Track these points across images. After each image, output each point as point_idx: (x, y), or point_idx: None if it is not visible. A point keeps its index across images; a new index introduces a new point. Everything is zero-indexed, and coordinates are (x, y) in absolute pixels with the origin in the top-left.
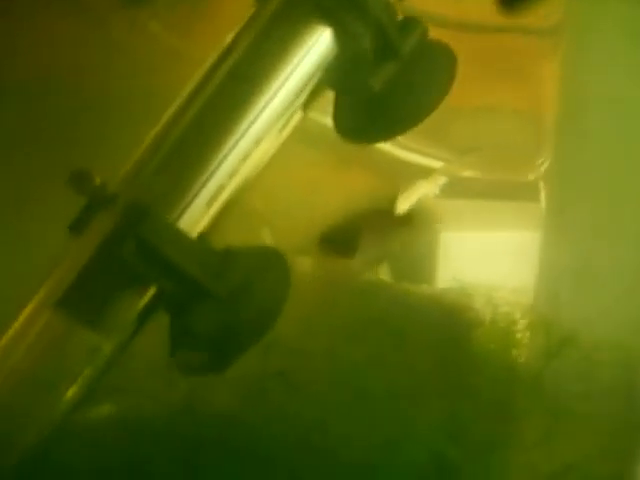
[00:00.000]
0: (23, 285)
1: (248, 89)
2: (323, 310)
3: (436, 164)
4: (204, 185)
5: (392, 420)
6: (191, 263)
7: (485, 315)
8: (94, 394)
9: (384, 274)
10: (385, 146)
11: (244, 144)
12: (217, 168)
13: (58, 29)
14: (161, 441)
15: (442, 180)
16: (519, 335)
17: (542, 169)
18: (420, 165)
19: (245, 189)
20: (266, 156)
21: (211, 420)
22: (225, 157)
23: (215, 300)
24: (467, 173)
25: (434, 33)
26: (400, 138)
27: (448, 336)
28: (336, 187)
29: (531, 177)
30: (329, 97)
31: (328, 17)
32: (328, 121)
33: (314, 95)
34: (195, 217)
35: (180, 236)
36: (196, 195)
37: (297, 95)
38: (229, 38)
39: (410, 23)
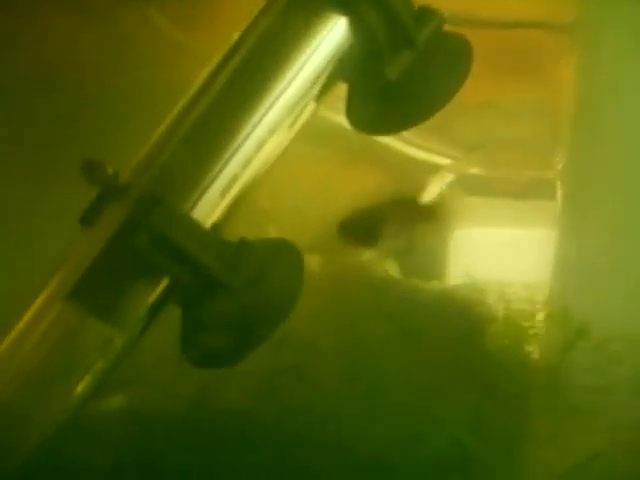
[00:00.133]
0: (31, 282)
1: (262, 78)
2: (333, 307)
3: (446, 161)
4: (218, 175)
5: (405, 414)
6: (205, 253)
7: (498, 311)
8: (105, 387)
9: (394, 270)
10: (395, 143)
11: (258, 134)
12: (231, 157)
13: (61, 23)
14: (172, 435)
15: (450, 177)
16: (533, 331)
17: (559, 167)
18: (430, 162)
19: (258, 182)
20: (279, 148)
21: (223, 415)
22: (239, 147)
23: (228, 291)
24: (481, 170)
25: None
26: (410, 135)
27: (461, 332)
28: (344, 185)
29: (549, 175)
30: (337, 94)
31: (343, 5)
32: (335, 118)
33: (327, 87)
34: (209, 207)
35: (194, 226)
36: (210, 185)
37: (311, 85)
38: (243, 27)
39: (426, 13)
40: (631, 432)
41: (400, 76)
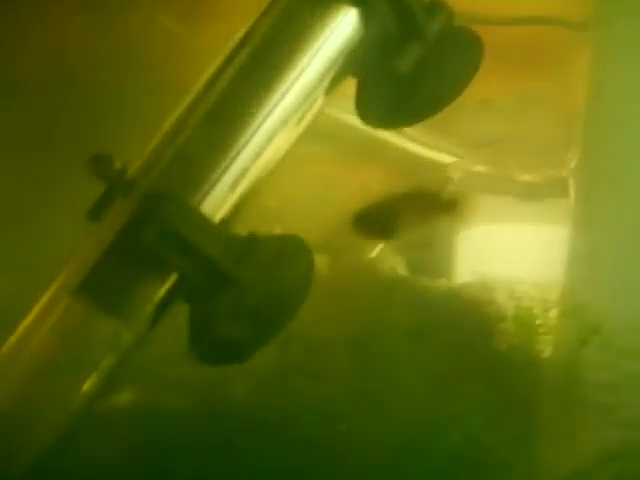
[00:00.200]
0: (45, 279)
1: (271, 71)
2: (342, 305)
3: (451, 159)
4: (228, 167)
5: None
6: (213, 247)
7: (507, 310)
8: (113, 384)
9: (403, 269)
10: (402, 142)
11: (267, 127)
12: (242, 149)
13: (71, 23)
14: (180, 433)
15: (458, 174)
16: (544, 329)
17: (572, 164)
18: (437, 161)
19: (266, 177)
20: (288, 143)
21: (231, 413)
22: (250, 138)
23: (237, 286)
24: (490, 168)
25: None
26: (419, 133)
27: (470, 331)
28: (349, 183)
29: (562, 173)
30: (344, 93)
31: None
32: (342, 117)
33: (337, 81)
34: (219, 201)
35: (202, 220)
36: (220, 178)
37: (322, 77)
38: (252, 20)
39: (436, 6)
40: None
41: (410, 69)
